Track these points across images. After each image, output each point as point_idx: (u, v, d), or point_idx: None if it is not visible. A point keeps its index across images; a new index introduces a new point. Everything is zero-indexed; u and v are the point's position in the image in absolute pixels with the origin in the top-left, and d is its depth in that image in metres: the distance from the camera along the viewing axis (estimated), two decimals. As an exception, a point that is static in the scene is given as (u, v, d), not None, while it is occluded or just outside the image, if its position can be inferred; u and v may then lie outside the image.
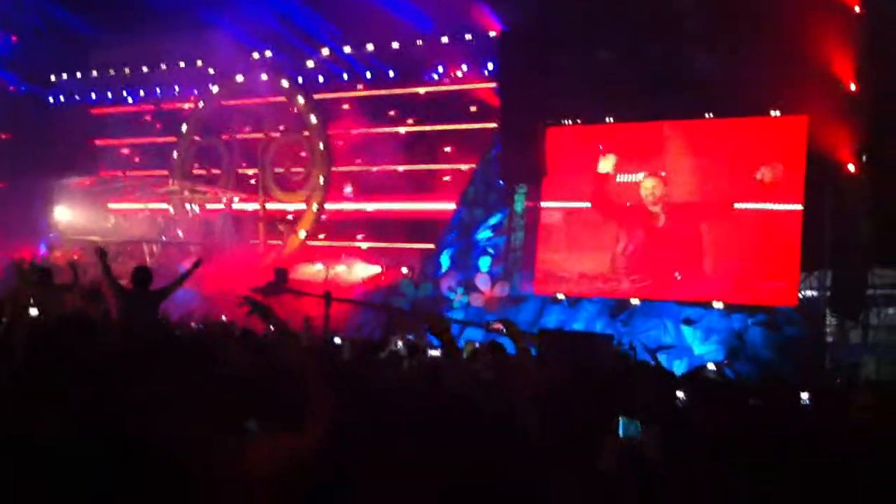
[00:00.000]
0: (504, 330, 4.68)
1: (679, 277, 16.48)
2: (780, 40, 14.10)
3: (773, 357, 15.00)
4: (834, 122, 14.79)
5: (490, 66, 20.55)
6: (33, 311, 9.99)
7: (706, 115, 16.47)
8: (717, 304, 15.91)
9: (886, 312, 15.23)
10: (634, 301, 16.76)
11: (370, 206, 22.73)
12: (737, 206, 15.97)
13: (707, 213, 16.34)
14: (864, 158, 14.84)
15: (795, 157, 15.54)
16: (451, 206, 20.61)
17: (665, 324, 16.23)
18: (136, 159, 26.13)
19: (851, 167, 14.91)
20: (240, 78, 23.90)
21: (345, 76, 22.97)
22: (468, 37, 20.71)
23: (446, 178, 21.52)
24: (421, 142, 22.20)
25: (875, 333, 15.13)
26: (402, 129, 22.44)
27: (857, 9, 14.81)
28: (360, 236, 22.48)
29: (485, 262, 19.03)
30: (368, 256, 21.63)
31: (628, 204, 17.17)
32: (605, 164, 17.38)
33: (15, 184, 25.14)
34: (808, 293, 15.69)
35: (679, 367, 13.43)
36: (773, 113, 15.78)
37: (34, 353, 4.61)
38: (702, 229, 16.33)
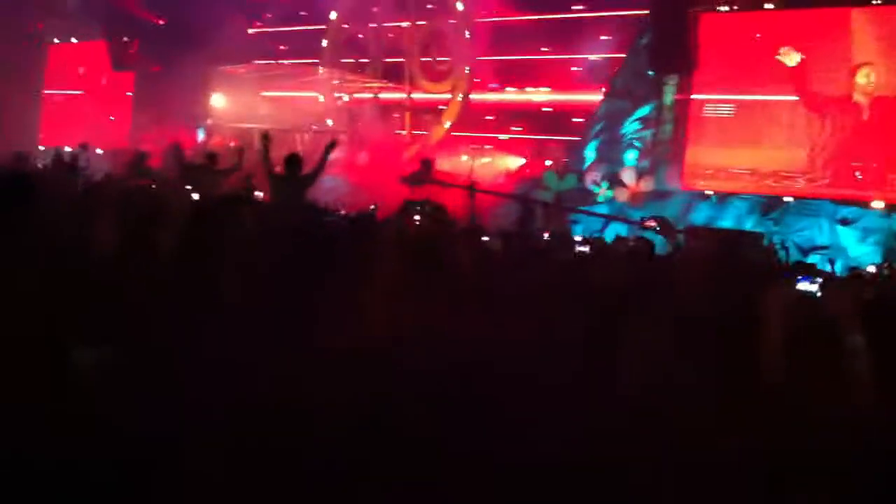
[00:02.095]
0: (658, 228, 4.67)
1: (860, 177, 15.33)
2: None
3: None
4: None
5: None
6: (195, 196, 10.57)
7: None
8: (876, 204, 15.14)
9: None
10: (787, 199, 16.10)
11: (515, 97, 22.50)
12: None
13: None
14: None
15: None
16: (598, 96, 20.13)
17: (819, 223, 15.55)
18: (288, 47, 26.50)
19: None
20: (388, -36, 23.70)
21: (493, -38, 22.45)
22: (621, -82, 19.77)
23: (593, 68, 20.97)
24: (568, 29, 21.64)
25: None
26: (548, 16, 21.92)
27: None
28: (504, 127, 22.35)
29: (631, 156, 18.64)
30: (512, 148, 21.55)
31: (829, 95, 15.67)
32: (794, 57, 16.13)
33: (170, 69, 25.99)
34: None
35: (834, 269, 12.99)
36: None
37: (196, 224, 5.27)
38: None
